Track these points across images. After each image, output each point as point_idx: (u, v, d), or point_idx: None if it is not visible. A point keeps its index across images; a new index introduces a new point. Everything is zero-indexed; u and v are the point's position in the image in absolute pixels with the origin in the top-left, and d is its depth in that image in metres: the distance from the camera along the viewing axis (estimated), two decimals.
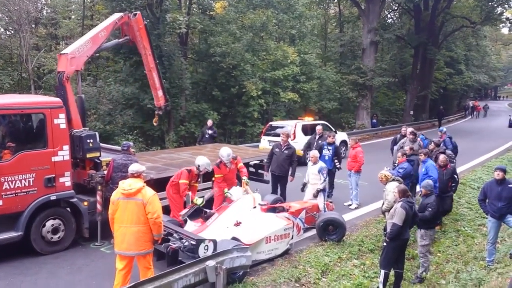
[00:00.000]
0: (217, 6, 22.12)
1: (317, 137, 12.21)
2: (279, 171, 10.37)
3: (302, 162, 13.05)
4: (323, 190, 9.37)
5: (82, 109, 9.14)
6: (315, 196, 9.26)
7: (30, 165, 7.16)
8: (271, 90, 22.45)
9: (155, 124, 12.78)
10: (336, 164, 11.07)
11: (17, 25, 16.61)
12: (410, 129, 12.27)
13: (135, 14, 10.43)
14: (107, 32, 9.50)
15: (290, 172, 10.44)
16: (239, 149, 12.47)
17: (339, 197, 11.41)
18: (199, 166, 8.21)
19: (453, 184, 9.57)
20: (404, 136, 12.12)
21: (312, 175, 9.47)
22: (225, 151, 8.82)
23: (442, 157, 9.43)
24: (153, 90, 11.48)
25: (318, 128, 12.56)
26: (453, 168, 9.83)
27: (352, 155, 11.15)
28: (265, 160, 10.91)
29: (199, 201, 8.10)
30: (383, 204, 8.10)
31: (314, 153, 9.73)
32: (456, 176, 9.85)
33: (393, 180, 8.04)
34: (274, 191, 10.43)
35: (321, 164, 9.55)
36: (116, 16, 10.12)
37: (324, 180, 9.30)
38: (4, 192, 6.92)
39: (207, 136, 14.31)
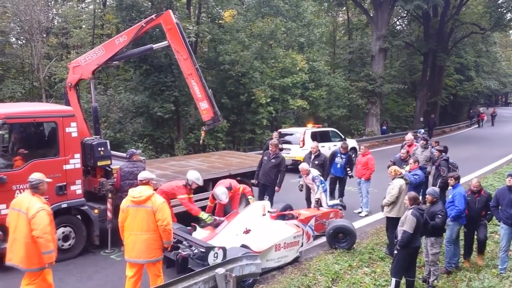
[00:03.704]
0: (226, 14, 22.26)
1: (312, 156, 10.65)
2: (265, 180, 9.98)
3: None
4: (324, 191, 9.58)
5: (96, 118, 9.19)
6: (316, 207, 9.39)
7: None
8: (280, 97, 22.51)
9: (201, 142, 11.27)
10: (349, 172, 11.08)
11: (28, 34, 16.81)
12: (409, 136, 12.19)
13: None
14: (128, 38, 8.87)
15: (277, 182, 10.00)
16: (248, 157, 12.47)
17: (349, 204, 11.31)
18: (187, 180, 8.12)
19: (488, 212, 8.01)
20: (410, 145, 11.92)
21: (309, 185, 9.73)
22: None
23: (475, 181, 8.07)
24: (196, 101, 9.59)
25: (313, 146, 10.89)
26: (488, 195, 8.10)
27: (362, 162, 11.10)
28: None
29: (204, 216, 8.05)
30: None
31: (301, 166, 9.68)
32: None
33: (401, 177, 8.14)
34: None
35: (312, 173, 9.59)
36: (148, 18, 9.27)
37: (318, 188, 9.41)
38: None
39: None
